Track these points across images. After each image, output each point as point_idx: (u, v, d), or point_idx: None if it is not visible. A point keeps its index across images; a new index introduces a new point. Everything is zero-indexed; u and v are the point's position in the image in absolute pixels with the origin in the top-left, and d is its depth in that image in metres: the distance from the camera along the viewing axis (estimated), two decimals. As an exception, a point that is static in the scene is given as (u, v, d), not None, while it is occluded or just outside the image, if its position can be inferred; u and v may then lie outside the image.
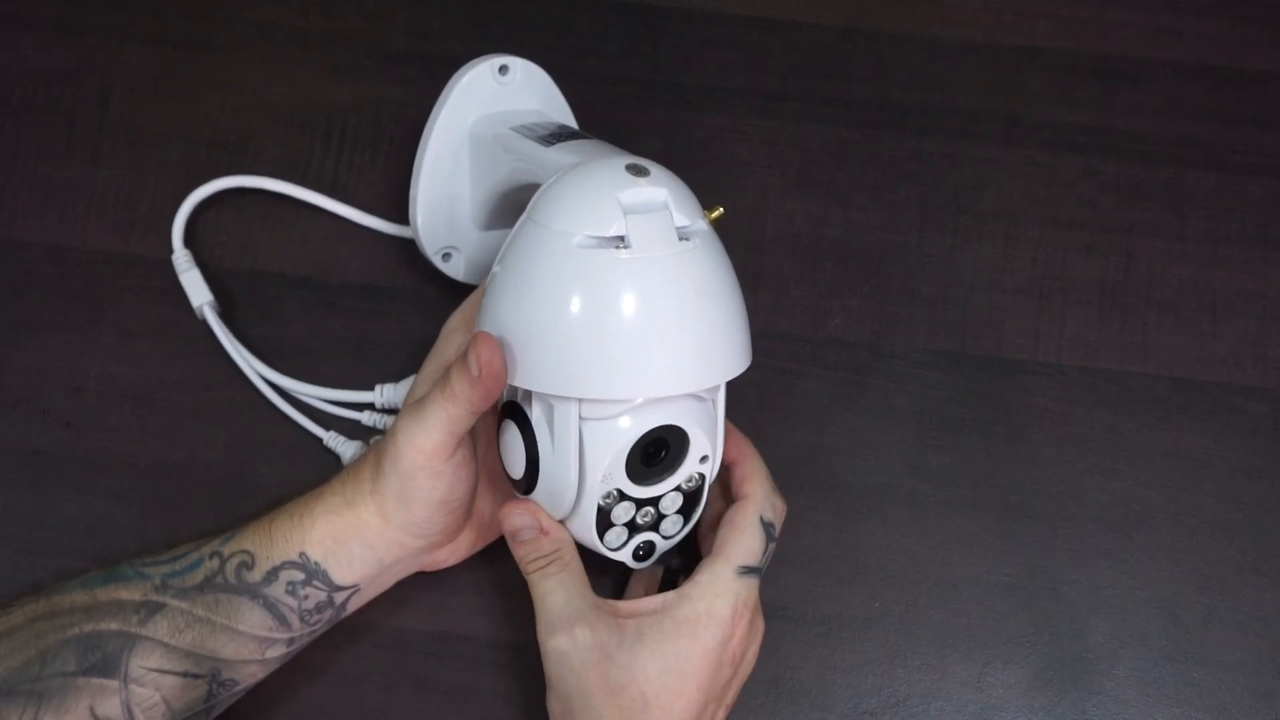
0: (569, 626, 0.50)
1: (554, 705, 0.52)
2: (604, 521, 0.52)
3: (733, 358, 0.50)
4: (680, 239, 0.48)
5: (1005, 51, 0.69)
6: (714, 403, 0.52)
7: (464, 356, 0.49)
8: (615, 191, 0.48)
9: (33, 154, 0.66)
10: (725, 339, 0.50)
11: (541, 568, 0.52)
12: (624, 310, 0.47)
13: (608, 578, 0.59)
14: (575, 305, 0.47)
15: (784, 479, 0.61)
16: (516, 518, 0.53)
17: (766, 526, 0.53)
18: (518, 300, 0.49)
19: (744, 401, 0.62)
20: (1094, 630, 0.61)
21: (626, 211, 0.48)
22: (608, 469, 0.50)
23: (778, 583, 0.60)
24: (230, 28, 0.68)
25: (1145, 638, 0.61)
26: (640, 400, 0.49)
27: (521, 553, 0.53)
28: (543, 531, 0.52)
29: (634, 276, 0.47)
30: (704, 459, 0.52)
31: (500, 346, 0.49)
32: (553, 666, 0.51)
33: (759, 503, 0.53)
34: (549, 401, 0.50)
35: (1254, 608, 0.61)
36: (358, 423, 0.62)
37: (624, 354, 0.47)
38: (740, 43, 0.68)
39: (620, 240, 0.48)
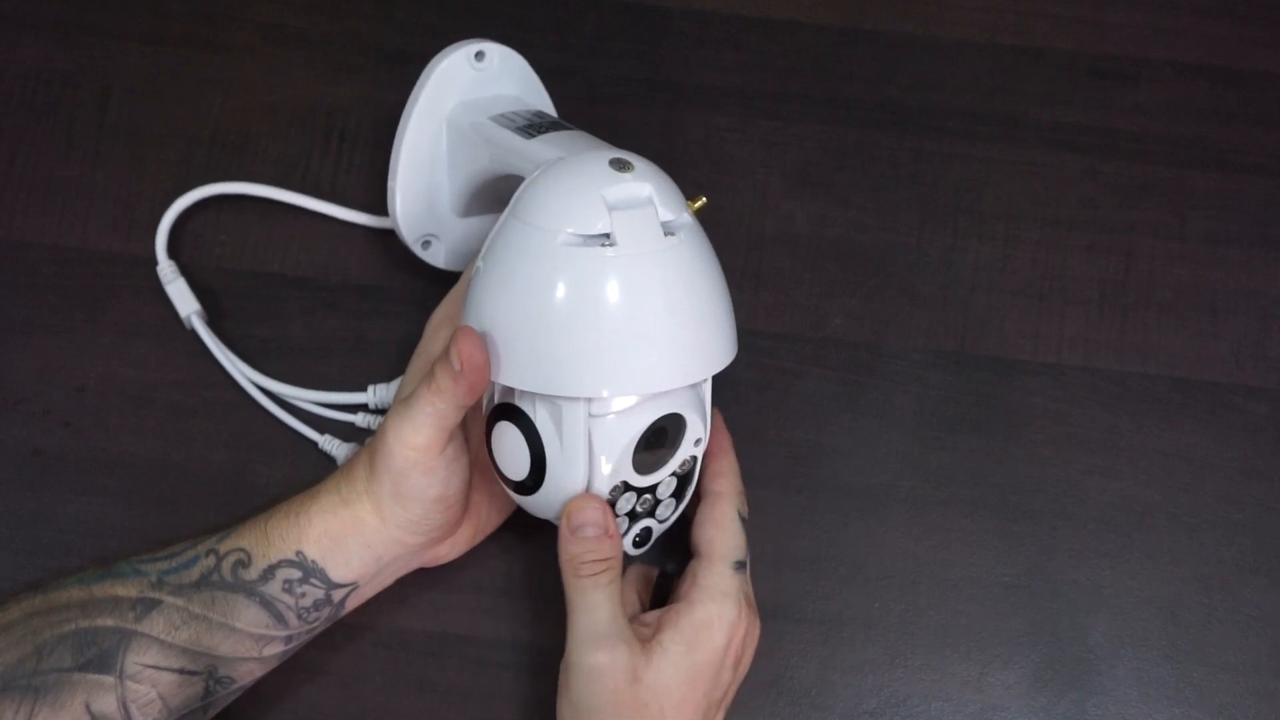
0: (612, 644, 0.49)
1: (565, 711, 0.51)
2: None
3: (722, 347, 0.51)
4: (666, 234, 0.49)
5: (1005, 51, 0.69)
6: (704, 384, 0.52)
7: (447, 352, 0.49)
8: (599, 188, 0.48)
9: (33, 154, 0.66)
10: (715, 329, 0.50)
11: (595, 573, 0.50)
12: (613, 307, 0.47)
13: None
14: (563, 303, 0.47)
15: (784, 479, 0.61)
16: (588, 512, 0.50)
17: (743, 520, 0.54)
18: (503, 298, 0.49)
19: (744, 401, 0.62)
20: (1094, 630, 0.61)
21: (611, 208, 0.48)
22: (616, 464, 0.50)
23: (778, 582, 0.60)
24: (230, 28, 0.68)
25: (1145, 638, 0.61)
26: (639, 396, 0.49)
27: (577, 550, 0.50)
28: (608, 534, 0.50)
29: (621, 274, 0.47)
30: (698, 441, 0.52)
31: (482, 341, 0.49)
32: (583, 680, 0.49)
33: (733, 497, 0.54)
34: (556, 403, 0.49)
35: (1254, 608, 0.61)
36: (353, 424, 0.62)
37: (612, 351, 0.48)
38: (740, 43, 0.68)
39: (606, 238, 0.48)
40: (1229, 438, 0.63)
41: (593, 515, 0.50)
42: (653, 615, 0.53)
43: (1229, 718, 0.60)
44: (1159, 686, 0.60)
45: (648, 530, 0.54)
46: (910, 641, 0.60)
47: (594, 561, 0.50)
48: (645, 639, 0.51)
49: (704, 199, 0.53)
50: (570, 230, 0.48)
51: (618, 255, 0.47)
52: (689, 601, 0.51)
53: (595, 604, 0.50)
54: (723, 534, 0.53)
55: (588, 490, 0.50)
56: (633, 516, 0.53)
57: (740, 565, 0.52)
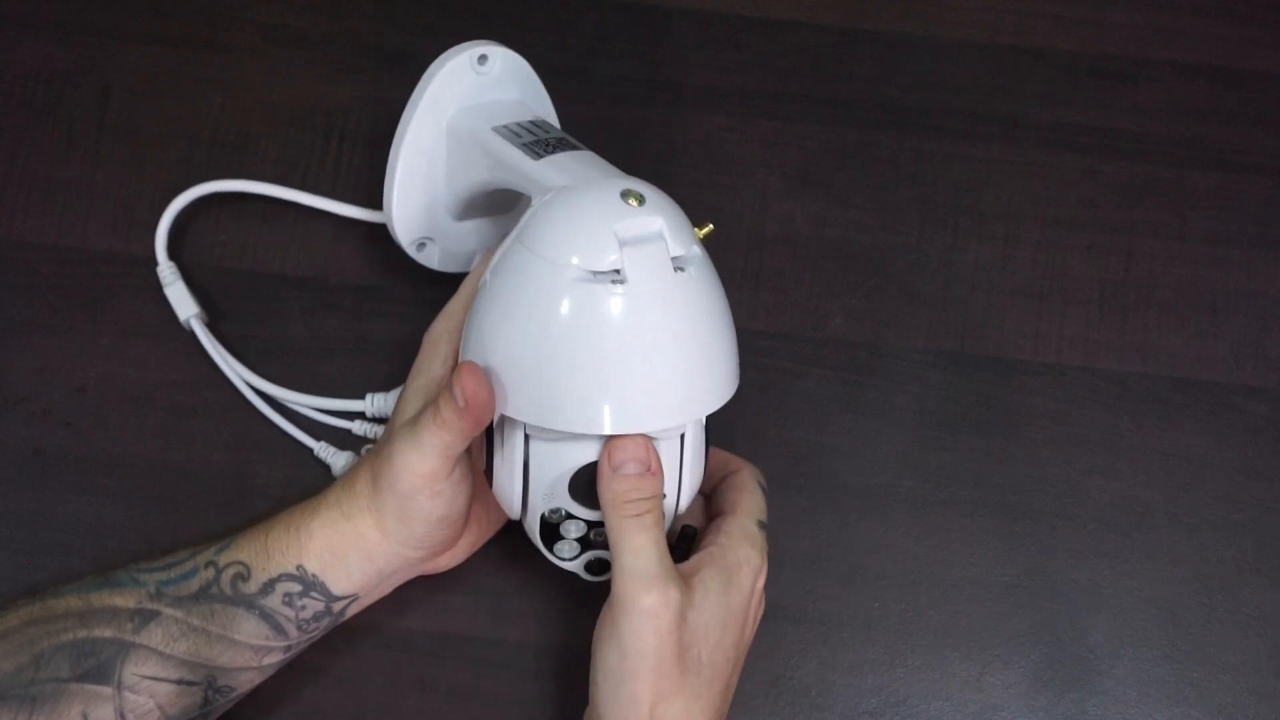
0: (664, 584, 0.48)
1: (610, 655, 0.49)
2: (552, 533, 0.52)
3: (723, 383, 0.50)
4: (675, 269, 0.48)
5: (1005, 51, 0.69)
6: (679, 440, 0.51)
7: (450, 386, 0.48)
8: (611, 223, 0.47)
9: (33, 154, 0.66)
10: (718, 364, 0.50)
11: (640, 513, 0.48)
12: (620, 345, 0.47)
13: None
14: (569, 341, 0.47)
15: (784, 479, 0.61)
16: (630, 449, 0.49)
17: (761, 525, 0.54)
18: (508, 331, 0.48)
19: (744, 401, 0.62)
20: (1094, 630, 0.61)
21: (622, 244, 0.47)
22: (549, 488, 0.50)
23: (778, 582, 0.60)
24: (230, 28, 0.68)
25: (1145, 638, 0.61)
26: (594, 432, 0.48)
27: (622, 488, 0.48)
28: (651, 471, 0.49)
29: (631, 312, 0.47)
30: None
31: (485, 375, 0.48)
32: (635, 621, 0.48)
33: (753, 475, 0.55)
34: (502, 415, 0.50)
35: (1254, 608, 0.61)
36: (349, 432, 0.62)
37: (617, 389, 0.47)
38: (740, 43, 0.68)
39: (616, 273, 0.47)
40: (1229, 438, 0.63)
41: (635, 452, 0.49)
42: (685, 564, 0.51)
43: (1229, 718, 0.60)
44: (1159, 686, 0.60)
45: (605, 562, 0.54)
46: (910, 641, 0.60)
47: (638, 500, 0.49)
48: (688, 575, 0.50)
49: (710, 226, 0.52)
50: (580, 264, 0.47)
51: (628, 293, 0.47)
52: (721, 546, 0.51)
53: (642, 545, 0.48)
54: (746, 495, 0.54)
55: (524, 504, 0.51)
56: (585, 543, 0.53)
57: (762, 525, 0.53)
